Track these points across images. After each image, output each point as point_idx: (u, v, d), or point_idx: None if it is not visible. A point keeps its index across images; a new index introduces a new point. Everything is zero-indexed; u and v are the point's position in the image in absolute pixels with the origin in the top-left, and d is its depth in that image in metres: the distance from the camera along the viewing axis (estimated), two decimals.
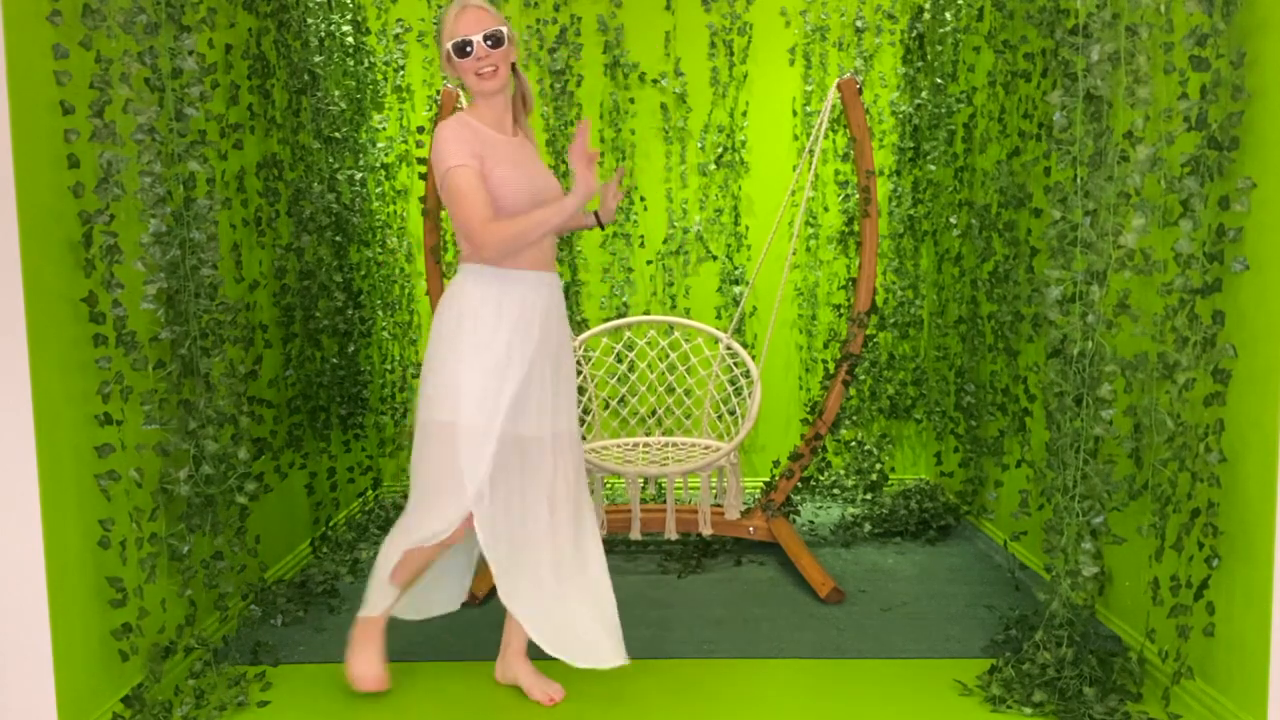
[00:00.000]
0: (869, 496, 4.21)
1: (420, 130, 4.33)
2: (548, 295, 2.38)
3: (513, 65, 2.38)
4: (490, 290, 2.31)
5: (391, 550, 2.39)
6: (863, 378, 4.41)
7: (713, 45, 4.33)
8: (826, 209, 4.43)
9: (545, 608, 2.33)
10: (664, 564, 3.48)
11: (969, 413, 3.67)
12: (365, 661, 2.44)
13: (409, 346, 4.45)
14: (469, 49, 2.29)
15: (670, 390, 4.05)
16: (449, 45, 2.30)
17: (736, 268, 4.41)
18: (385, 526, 3.93)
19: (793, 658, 2.66)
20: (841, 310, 4.44)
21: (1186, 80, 2.23)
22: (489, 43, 2.29)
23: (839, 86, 3.32)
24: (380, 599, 2.45)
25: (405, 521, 2.39)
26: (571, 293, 4.38)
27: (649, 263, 4.43)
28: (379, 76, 4.31)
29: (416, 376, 4.46)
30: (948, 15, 3.90)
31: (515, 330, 2.31)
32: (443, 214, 4.06)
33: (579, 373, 3.85)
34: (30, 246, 2.03)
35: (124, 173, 2.23)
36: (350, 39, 3.95)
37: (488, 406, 2.27)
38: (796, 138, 4.40)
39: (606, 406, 4.05)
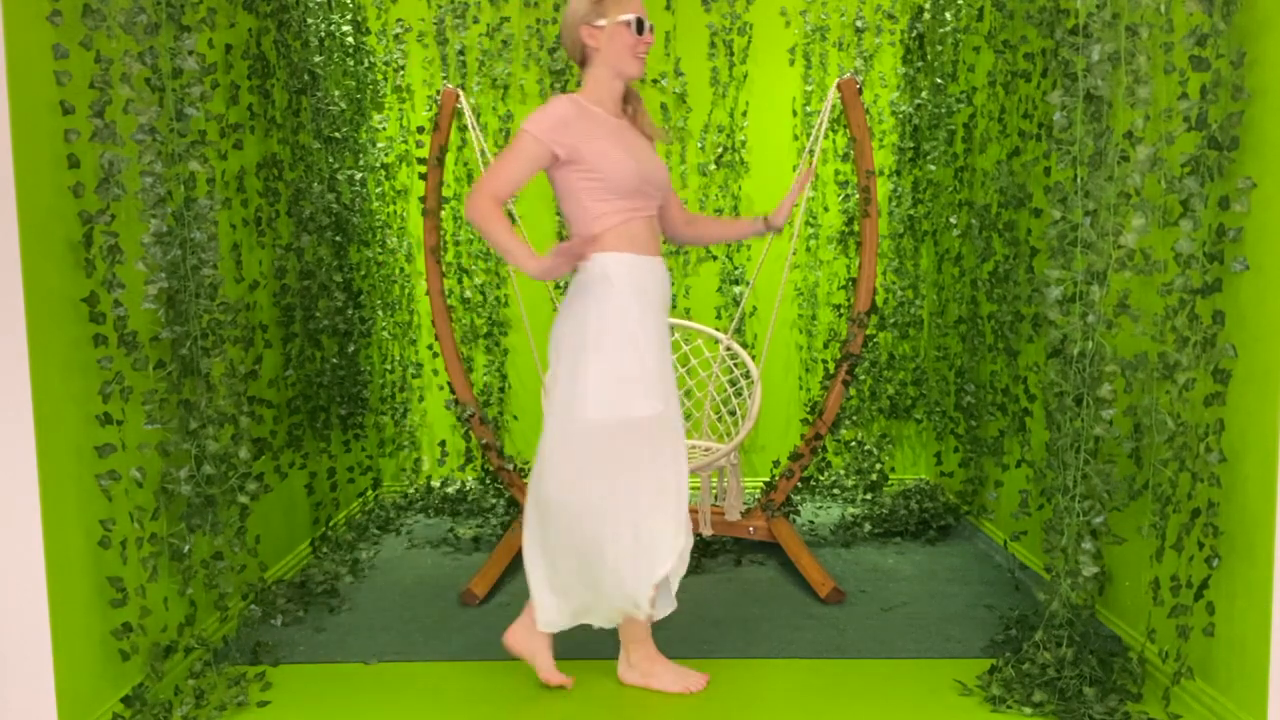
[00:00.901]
0: (869, 496, 4.21)
1: (420, 130, 4.33)
2: (667, 279, 2.46)
3: None
4: (634, 277, 2.33)
5: (643, 575, 2.32)
6: (863, 378, 4.41)
7: (713, 45, 4.33)
8: (826, 209, 4.43)
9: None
10: None
11: (969, 413, 3.67)
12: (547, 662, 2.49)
13: (409, 346, 4.45)
14: (643, 28, 2.34)
15: None
16: (627, 17, 2.31)
17: (736, 268, 4.41)
18: (385, 526, 3.93)
19: (793, 658, 2.66)
20: (841, 310, 4.44)
21: (1186, 80, 2.24)
22: (650, 31, 2.37)
23: (839, 86, 3.32)
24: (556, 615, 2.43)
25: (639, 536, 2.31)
26: None
27: None
28: (379, 76, 4.31)
29: (417, 376, 4.47)
30: (948, 15, 3.91)
31: (659, 314, 2.39)
32: (443, 214, 4.06)
33: None
34: (30, 246, 2.03)
35: (124, 173, 2.23)
36: (350, 39, 3.96)
37: (655, 390, 2.32)
38: (796, 138, 4.40)
39: None
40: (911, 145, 4.28)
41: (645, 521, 2.31)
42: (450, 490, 4.29)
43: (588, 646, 2.72)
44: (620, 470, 2.31)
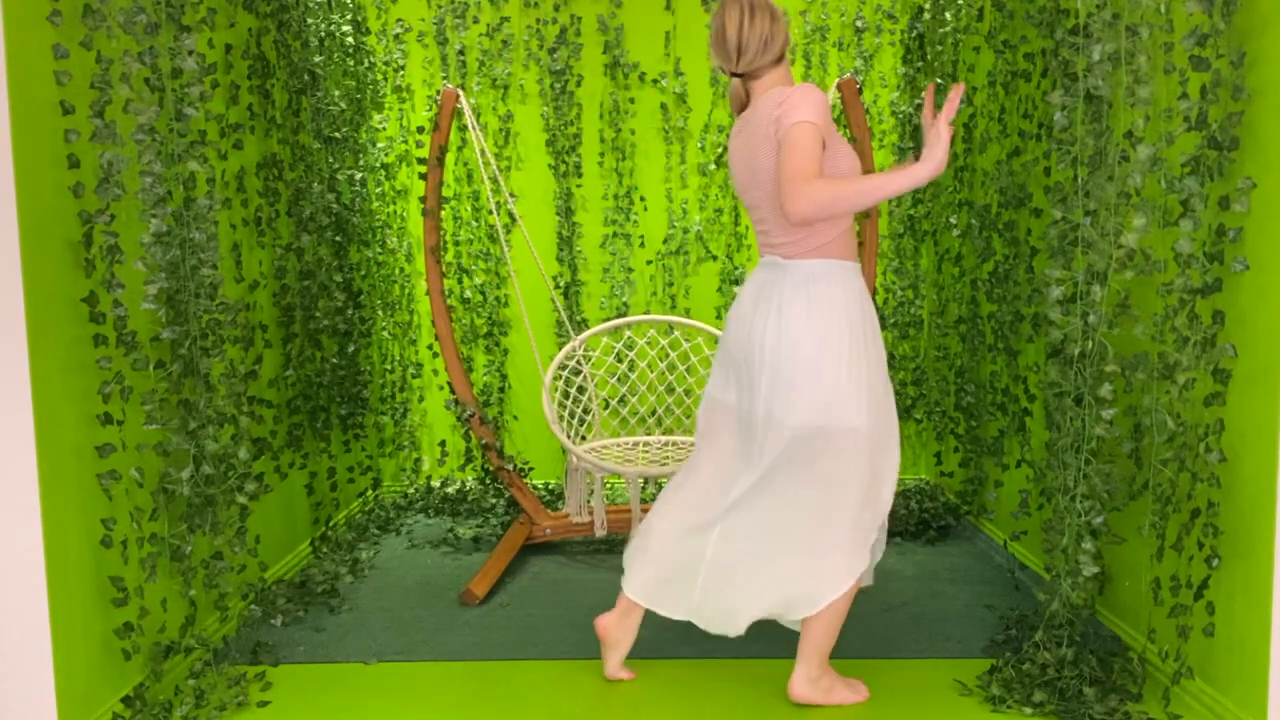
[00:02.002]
0: None
1: (420, 130, 4.33)
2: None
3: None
4: (849, 285, 2.29)
5: (837, 599, 2.31)
6: None
7: None
8: None
9: None
10: None
11: (969, 413, 3.67)
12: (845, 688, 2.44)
13: (409, 346, 4.45)
14: None
15: (670, 390, 4.05)
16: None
17: (737, 268, 4.41)
18: (385, 526, 3.93)
19: (793, 658, 2.66)
20: None
21: (1186, 80, 2.24)
22: None
23: (839, 86, 3.32)
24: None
25: (832, 554, 2.29)
26: (571, 293, 4.38)
27: (649, 263, 4.43)
28: (379, 76, 4.31)
29: (417, 376, 4.47)
30: (948, 15, 3.91)
31: (871, 324, 2.33)
32: (443, 214, 4.06)
33: (579, 372, 3.85)
34: (30, 246, 2.03)
35: (124, 173, 2.23)
36: (350, 39, 3.96)
37: (878, 402, 2.29)
38: None
39: (606, 406, 4.05)
40: (911, 145, 4.28)
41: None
42: (450, 490, 4.29)
43: (585, 645, 2.72)
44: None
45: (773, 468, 2.30)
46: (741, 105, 2.43)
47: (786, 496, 2.31)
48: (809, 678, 2.38)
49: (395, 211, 4.38)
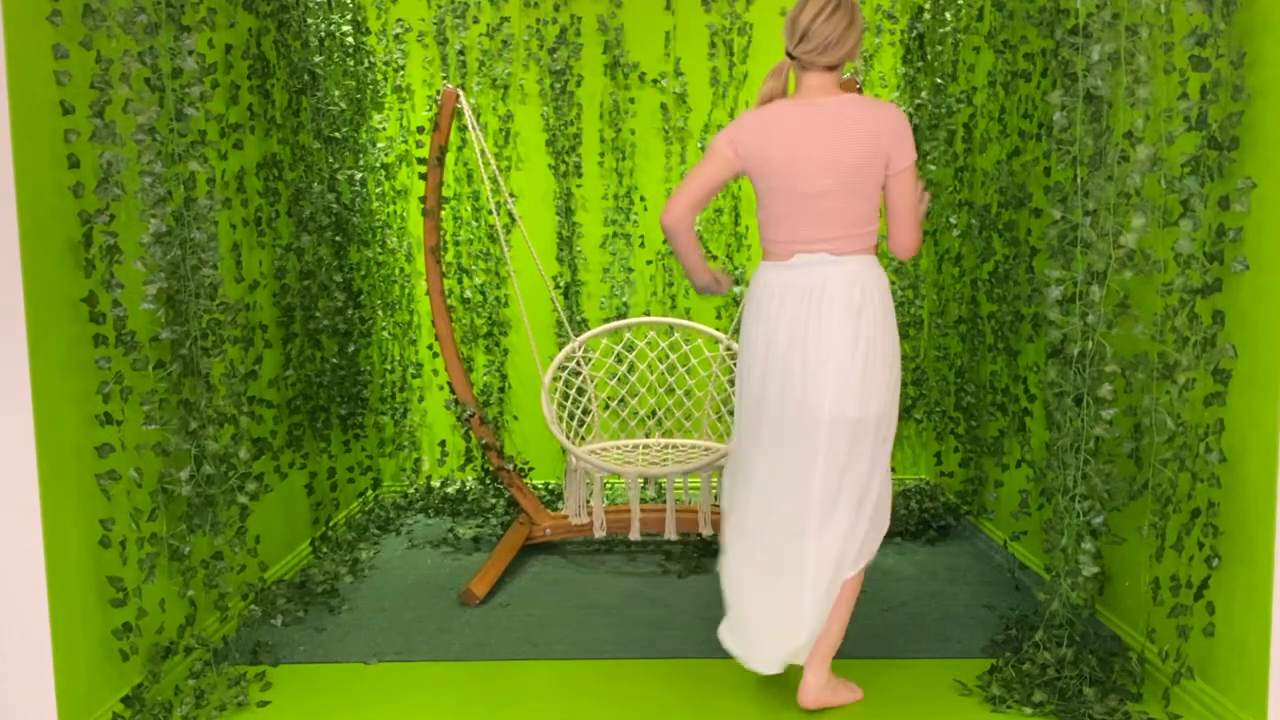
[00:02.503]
0: None
1: (420, 130, 4.33)
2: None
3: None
4: (885, 277, 2.37)
5: (857, 578, 2.38)
6: None
7: (713, 45, 4.33)
8: None
9: None
10: (664, 564, 3.48)
11: (969, 413, 3.67)
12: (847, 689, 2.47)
13: (409, 346, 4.45)
14: None
15: (670, 391, 4.05)
16: None
17: (737, 268, 4.41)
18: (385, 526, 3.93)
19: None
20: None
21: (1186, 80, 2.24)
22: None
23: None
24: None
25: (871, 530, 2.40)
26: (571, 293, 4.38)
27: (649, 263, 4.43)
28: (379, 76, 4.31)
29: (417, 376, 4.47)
30: (948, 15, 3.90)
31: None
32: (443, 214, 4.06)
33: (578, 373, 3.85)
34: (30, 246, 2.03)
35: (124, 173, 2.23)
36: (350, 39, 3.96)
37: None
38: None
39: (606, 407, 4.05)
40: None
41: None
42: (450, 490, 4.29)
43: (585, 645, 2.72)
44: None
45: (849, 459, 2.31)
46: (775, 97, 2.41)
47: (861, 483, 2.34)
48: (821, 683, 2.36)
49: (395, 211, 4.38)
